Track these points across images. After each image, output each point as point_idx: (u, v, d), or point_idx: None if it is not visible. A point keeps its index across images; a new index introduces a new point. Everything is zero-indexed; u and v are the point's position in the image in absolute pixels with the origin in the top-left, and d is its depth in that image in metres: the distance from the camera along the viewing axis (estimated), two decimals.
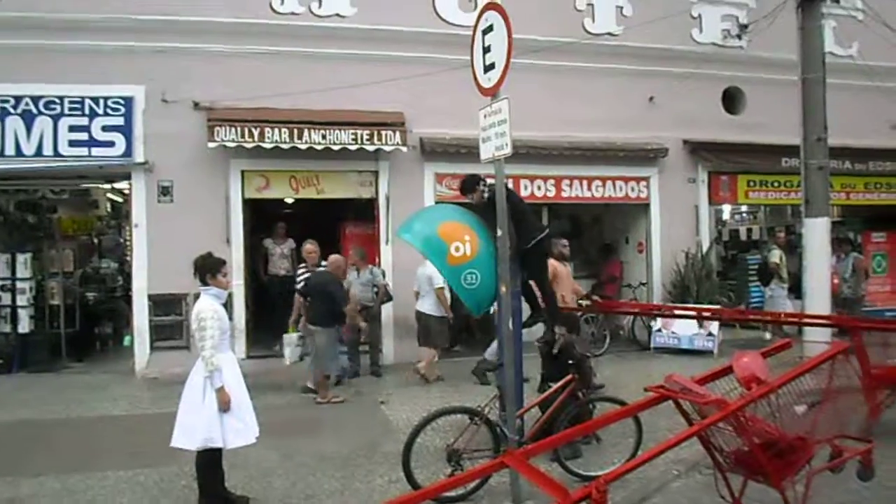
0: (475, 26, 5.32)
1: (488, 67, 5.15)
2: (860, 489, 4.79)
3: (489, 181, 6.31)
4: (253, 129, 10.21)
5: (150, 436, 6.63)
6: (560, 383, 5.96)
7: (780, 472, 4.09)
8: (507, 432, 5.34)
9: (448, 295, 9.50)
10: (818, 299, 9.99)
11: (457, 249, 6.35)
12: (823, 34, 10.63)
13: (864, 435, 4.89)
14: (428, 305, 9.74)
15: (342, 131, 10.53)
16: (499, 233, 5.30)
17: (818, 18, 10.24)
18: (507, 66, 4.92)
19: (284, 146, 10.31)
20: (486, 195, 6.48)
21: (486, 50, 5.15)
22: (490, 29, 5.10)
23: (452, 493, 5.09)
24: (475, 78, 5.36)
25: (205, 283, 5.36)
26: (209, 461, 5.24)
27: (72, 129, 10.27)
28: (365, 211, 11.83)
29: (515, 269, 6.23)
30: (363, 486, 5.90)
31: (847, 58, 13.17)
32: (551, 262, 8.03)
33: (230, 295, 7.70)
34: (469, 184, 6.75)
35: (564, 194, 12.25)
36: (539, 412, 6.08)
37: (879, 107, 13.26)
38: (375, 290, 10.37)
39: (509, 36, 4.89)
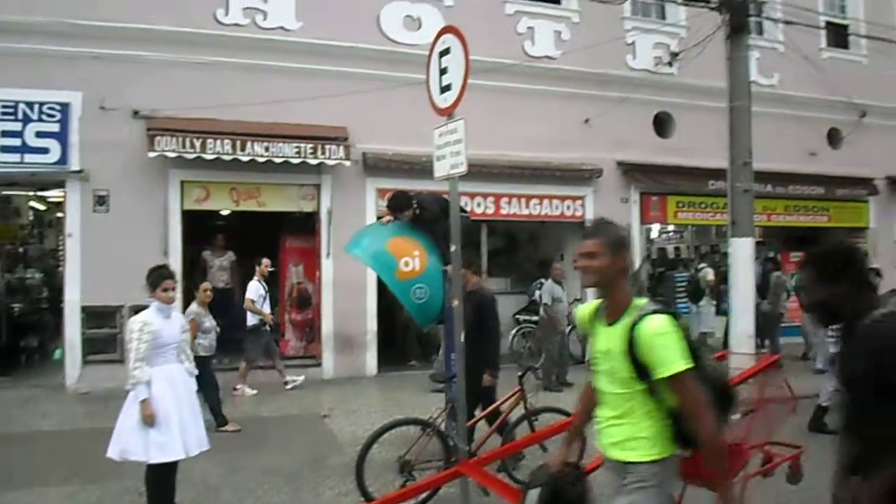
0: (432, 47, 5.47)
1: (444, 88, 5.29)
2: (789, 492, 5.09)
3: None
4: (194, 140, 10.08)
5: (86, 452, 6.42)
6: (508, 395, 6.14)
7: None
8: (457, 443, 5.46)
9: None
10: (742, 315, 10.50)
11: (406, 264, 6.49)
12: (749, 64, 11.22)
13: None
14: None
15: (285, 144, 10.50)
16: (452, 247, 5.42)
17: (745, 49, 10.79)
18: (463, 88, 5.06)
19: (226, 157, 10.22)
20: (416, 212, 6.75)
21: (443, 71, 5.30)
22: (447, 51, 5.25)
23: None
24: (431, 98, 5.50)
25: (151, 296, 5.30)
26: (157, 477, 5.14)
27: (4, 134, 9.89)
28: (306, 224, 11.79)
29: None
30: (312, 500, 5.94)
31: (769, 87, 13.93)
32: None
33: None
34: (401, 202, 6.87)
35: (503, 211, 12.54)
36: (485, 425, 6.24)
37: (798, 134, 14.10)
38: None
39: (466, 59, 5.03)
